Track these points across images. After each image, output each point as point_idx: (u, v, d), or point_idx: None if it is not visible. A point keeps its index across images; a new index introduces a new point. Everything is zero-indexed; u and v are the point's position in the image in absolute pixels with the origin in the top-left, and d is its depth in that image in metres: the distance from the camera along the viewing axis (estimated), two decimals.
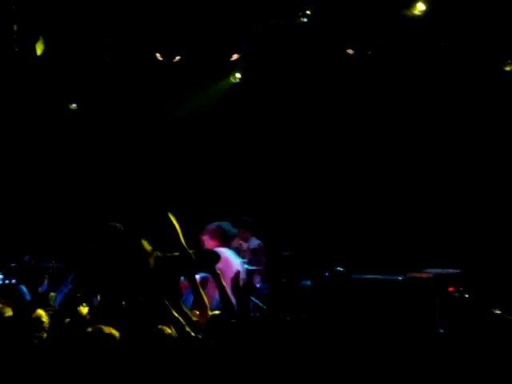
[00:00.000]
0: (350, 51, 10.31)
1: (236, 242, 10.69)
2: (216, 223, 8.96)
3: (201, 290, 6.56)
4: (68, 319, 5.59)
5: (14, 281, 9.36)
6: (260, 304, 9.58)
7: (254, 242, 10.82)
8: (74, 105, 11.66)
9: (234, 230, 9.10)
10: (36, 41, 10.19)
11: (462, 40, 9.53)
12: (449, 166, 11.18)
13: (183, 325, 5.55)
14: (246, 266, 10.21)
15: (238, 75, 11.49)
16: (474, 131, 11.07)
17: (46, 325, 5.56)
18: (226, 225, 8.99)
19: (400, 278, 9.54)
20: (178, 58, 10.77)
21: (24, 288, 8.42)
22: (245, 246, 10.77)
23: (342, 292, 9.02)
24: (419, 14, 9.56)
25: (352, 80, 11.30)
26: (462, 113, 11.06)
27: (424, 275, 9.35)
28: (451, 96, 11.09)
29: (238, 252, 10.52)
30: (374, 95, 11.45)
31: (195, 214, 11.10)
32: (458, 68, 10.38)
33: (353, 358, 5.85)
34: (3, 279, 9.36)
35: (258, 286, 10.44)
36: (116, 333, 5.23)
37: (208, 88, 11.74)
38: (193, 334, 5.52)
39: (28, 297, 8.14)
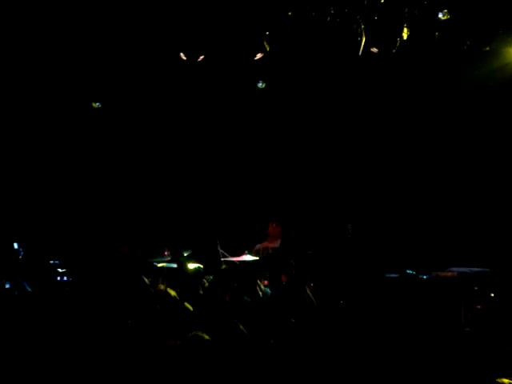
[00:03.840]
0: (374, 50, 10.29)
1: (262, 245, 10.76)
2: None
3: None
4: None
5: None
6: None
7: None
8: (98, 103, 11.64)
9: None
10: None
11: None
12: (476, 164, 11.07)
13: None
14: None
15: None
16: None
17: None
18: None
19: (425, 277, 9.50)
20: (201, 57, 10.84)
21: None
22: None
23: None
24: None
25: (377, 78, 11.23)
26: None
27: (449, 274, 9.30)
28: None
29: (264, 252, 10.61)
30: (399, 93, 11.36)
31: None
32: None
33: (374, 357, 5.83)
34: None
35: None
36: None
37: None
38: None
39: None
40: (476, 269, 9.39)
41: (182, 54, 10.69)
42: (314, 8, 9.87)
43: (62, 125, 11.96)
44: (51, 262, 10.32)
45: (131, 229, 11.51)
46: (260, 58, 10.60)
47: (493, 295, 8.87)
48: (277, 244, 10.70)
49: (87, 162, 12.23)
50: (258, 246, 10.73)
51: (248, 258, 10.31)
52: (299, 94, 11.60)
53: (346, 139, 11.73)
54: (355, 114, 11.51)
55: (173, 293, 7.25)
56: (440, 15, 9.48)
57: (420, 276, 9.52)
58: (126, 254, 11.07)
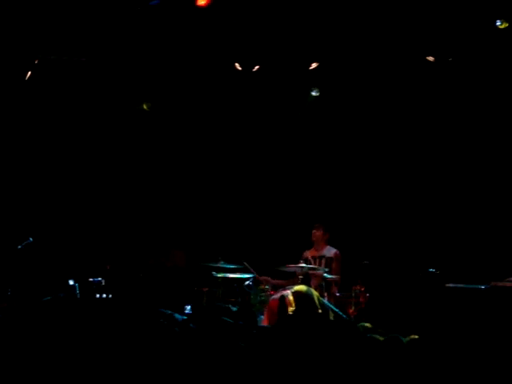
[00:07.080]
0: (431, 58, 10.27)
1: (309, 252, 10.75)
2: None
3: None
4: None
5: None
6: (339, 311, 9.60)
7: (330, 251, 10.76)
8: (149, 104, 11.67)
9: None
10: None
11: None
12: None
13: None
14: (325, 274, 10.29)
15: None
16: None
17: None
18: None
19: (483, 287, 9.38)
20: (256, 67, 10.90)
21: None
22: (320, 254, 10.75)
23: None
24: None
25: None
26: None
27: (508, 284, 9.18)
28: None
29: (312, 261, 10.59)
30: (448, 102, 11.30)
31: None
32: None
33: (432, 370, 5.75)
34: None
35: (337, 294, 10.45)
36: None
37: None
38: None
39: None
40: None
41: (237, 64, 10.79)
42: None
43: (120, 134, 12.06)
44: (90, 279, 10.27)
45: (185, 237, 11.56)
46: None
47: None
48: (322, 250, 10.66)
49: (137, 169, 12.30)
50: (305, 254, 10.74)
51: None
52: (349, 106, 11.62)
53: (398, 142, 11.70)
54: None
55: None
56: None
57: (477, 286, 9.41)
58: (180, 264, 11.13)
